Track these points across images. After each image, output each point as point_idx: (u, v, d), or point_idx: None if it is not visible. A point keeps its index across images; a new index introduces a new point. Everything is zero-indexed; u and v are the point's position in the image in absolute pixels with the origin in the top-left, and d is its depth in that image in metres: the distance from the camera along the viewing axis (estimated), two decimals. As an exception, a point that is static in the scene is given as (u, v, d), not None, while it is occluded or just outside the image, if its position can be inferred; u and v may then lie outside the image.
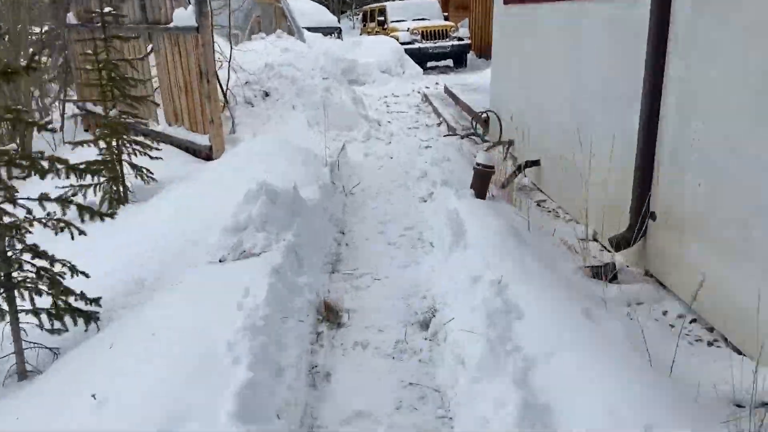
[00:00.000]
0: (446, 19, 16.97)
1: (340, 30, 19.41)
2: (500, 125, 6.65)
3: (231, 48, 7.48)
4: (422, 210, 4.96)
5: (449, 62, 16.48)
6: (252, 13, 13.33)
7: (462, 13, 20.53)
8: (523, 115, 5.91)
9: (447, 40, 15.45)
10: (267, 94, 7.83)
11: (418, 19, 16.20)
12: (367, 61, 13.61)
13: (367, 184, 5.79)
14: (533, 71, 5.63)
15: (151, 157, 5.80)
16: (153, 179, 5.84)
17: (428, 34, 15.48)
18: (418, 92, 12.10)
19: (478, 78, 12.94)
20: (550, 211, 4.85)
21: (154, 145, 5.74)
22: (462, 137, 7.05)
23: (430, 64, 15.86)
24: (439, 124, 8.55)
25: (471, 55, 16.91)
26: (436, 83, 13.41)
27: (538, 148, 5.38)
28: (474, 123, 7.19)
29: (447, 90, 10.53)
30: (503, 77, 6.73)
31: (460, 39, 15.53)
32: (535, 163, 5.39)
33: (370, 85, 13.18)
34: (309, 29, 16.45)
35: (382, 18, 16.90)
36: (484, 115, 7.17)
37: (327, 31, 17.65)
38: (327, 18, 18.70)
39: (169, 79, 7.27)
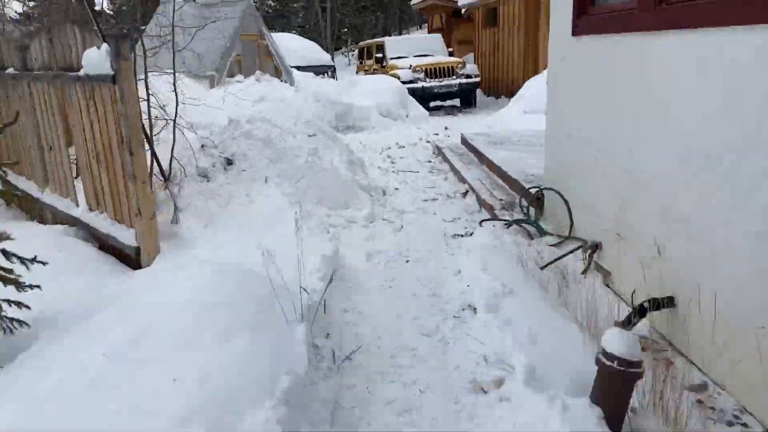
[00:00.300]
0: (451, 54, 14.73)
1: (334, 69, 17.22)
2: (569, 211, 4.24)
3: (177, 101, 5.09)
4: (481, 415, 2.50)
5: (455, 101, 14.20)
6: (231, 51, 11.02)
7: (465, 48, 18.41)
8: (624, 204, 3.50)
9: (454, 77, 13.16)
10: (230, 162, 5.42)
11: (421, 55, 13.94)
12: (364, 104, 11.26)
13: (373, 335, 3.29)
14: (649, 138, 3.21)
15: (18, 288, 3.38)
16: (23, 324, 3.39)
17: (433, 72, 13.20)
18: (427, 141, 9.73)
19: (493, 121, 10.63)
20: (732, 425, 2.38)
21: (18, 277, 3.29)
22: (507, 225, 4.63)
23: (433, 103, 13.56)
24: (464, 194, 6.13)
25: (479, 93, 14.67)
26: (445, 128, 11.09)
27: (667, 271, 2.95)
28: (524, 204, 4.78)
29: (465, 141, 8.15)
30: (572, 139, 4.32)
31: (468, 76, 13.25)
32: (669, 301, 2.96)
33: (369, 132, 10.82)
34: (299, 68, 14.20)
35: (381, 55, 14.63)
36: (538, 192, 4.77)
37: (319, 70, 15.40)
38: (319, 56, 16.47)
39: (86, 146, 4.86)
